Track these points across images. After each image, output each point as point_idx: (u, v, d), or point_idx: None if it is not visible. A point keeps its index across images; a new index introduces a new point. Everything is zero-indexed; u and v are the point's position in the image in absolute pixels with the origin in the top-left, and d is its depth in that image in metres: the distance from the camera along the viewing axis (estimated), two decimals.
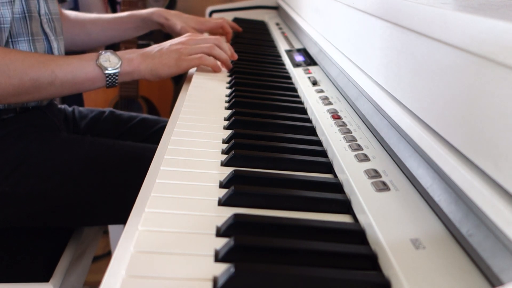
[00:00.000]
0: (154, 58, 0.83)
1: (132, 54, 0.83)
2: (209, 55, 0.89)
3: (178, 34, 1.12)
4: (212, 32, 1.21)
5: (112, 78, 0.80)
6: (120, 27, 1.14)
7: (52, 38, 0.89)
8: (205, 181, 0.48)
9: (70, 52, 1.12)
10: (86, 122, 1.03)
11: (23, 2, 0.81)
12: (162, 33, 1.75)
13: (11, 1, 0.78)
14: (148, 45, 0.93)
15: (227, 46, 0.93)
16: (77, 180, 0.80)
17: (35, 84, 0.74)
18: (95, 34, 1.12)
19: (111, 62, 0.80)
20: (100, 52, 0.80)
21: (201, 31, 1.16)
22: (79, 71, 0.78)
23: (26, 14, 0.82)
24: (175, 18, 1.12)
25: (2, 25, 0.77)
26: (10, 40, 0.80)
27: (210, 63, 0.89)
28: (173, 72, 0.85)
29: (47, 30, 0.87)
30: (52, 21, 0.89)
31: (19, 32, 0.81)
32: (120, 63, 0.80)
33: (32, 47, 0.83)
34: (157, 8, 1.15)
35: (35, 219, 0.80)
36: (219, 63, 0.91)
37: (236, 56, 0.95)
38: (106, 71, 0.79)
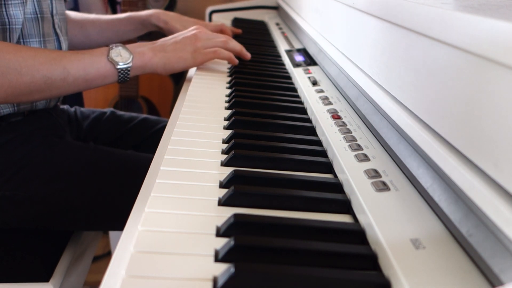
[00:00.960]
0: (168, 52, 0.82)
1: (143, 47, 0.82)
2: (223, 48, 0.90)
3: None
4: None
5: (124, 73, 0.79)
6: (118, 28, 1.13)
7: (61, 38, 0.89)
8: (205, 181, 0.48)
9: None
10: (88, 123, 1.03)
11: (35, 3, 0.80)
12: (161, 34, 1.75)
13: (23, 2, 0.77)
14: None
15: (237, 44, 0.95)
16: (78, 186, 0.79)
17: (48, 82, 0.73)
18: (94, 35, 1.12)
19: (122, 57, 0.78)
20: (111, 46, 0.79)
21: None
22: (90, 66, 0.76)
23: (39, 15, 0.81)
24: (174, 22, 1.11)
25: (14, 26, 0.77)
26: (21, 40, 0.79)
27: (226, 56, 0.90)
28: (188, 66, 0.85)
29: (58, 30, 0.87)
30: (60, 22, 0.89)
31: (30, 33, 0.80)
32: (131, 57, 0.79)
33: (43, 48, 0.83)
34: (156, 10, 1.14)
35: (34, 223, 0.80)
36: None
37: (249, 55, 0.96)
38: (118, 66, 0.77)
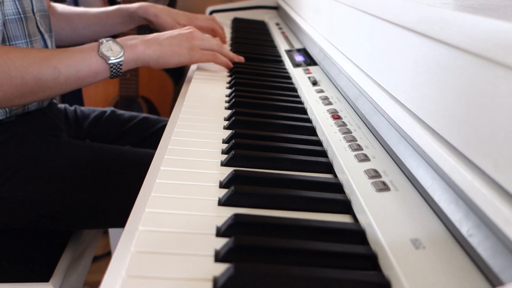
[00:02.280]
0: (163, 46, 0.81)
1: (134, 40, 0.80)
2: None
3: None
4: (202, 31, 1.20)
5: (116, 68, 0.77)
6: (106, 21, 1.10)
7: (46, 36, 0.87)
8: (205, 181, 0.48)
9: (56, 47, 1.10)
10: (89, 122, 1.03)
11: (17, 2, 0.79)
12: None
13: (0, 2, 0.74)
14: None
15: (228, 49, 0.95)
16: (76, 185, 0.79)
17: (39, 83, 0.71)
18: (81, 29, 1.09)
19: (113, 51, 0.77)
20: (101, 41, 0.77)
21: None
22: (81, 64, 0.75)
23: (22, 15, 0.79)
24: (165, 15, 1.08)
25: None
26: (7, 43, 0.78)
27: (222, 62, 0.90)
28: (184, 62, 0.84)
29: (41, 28, 0.86)
30: (41, 18, 0.87)
31: (16, 35, 0.79)
32: (123, 51, 0.77)
33: None
34: (143, 3, 1.10)
35: (33, 223, 0.79)
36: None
37: (242, 58, 0.95)
38: (110, 61, 0.76)
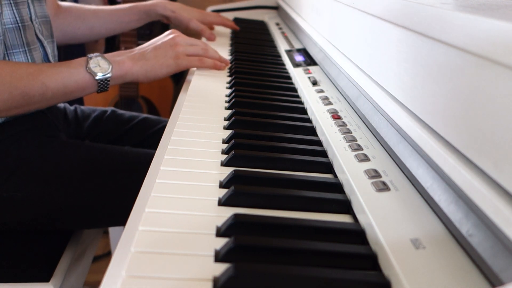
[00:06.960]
0: (149, 60, 0.82)
1: (122, 56, 0.81)
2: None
3: (186, 27, 1.16)
4: (212, 28, 1.26)
5: (103, 84, 0.78)
6: (122, 19, 1.13)
7: (45, 43, 0.87)
8: (205, 181, 0.48)
9: (71, 44, 1.13)
10: (89, 122, 1.03)
11: (14, 11, 0.78)
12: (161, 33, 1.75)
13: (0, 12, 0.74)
14: None
15: (215, 51, 0.95)
16: (75, 185, 0.79)
17: (26, 97, 0.72)
18: (97, 27, 1.11)
19: (101, 67, 0.77)
20: (89, 56, 0.78)
21: (203, 23, 1.19)
22: (69, 79, 0.75)
23: (20, 24, 0.79)
24: (181, 10, 1.13)
25: None
26: (5, 52, 0.78)
27: (210, 65, 0.90)
28: (172, 71, 0.85)
29: (40, 36, 0.86)
30: (41, 25, 0.87)
31: (13, 44, 0.78)
32: (110, 67, 0.78)
33: (29, 57, 0.81)
34: (160, 0, 1.15)
35: (33, 224, 0.79)
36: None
37: (227, 62, 0.96)
38: (97, 77, 0.77)
